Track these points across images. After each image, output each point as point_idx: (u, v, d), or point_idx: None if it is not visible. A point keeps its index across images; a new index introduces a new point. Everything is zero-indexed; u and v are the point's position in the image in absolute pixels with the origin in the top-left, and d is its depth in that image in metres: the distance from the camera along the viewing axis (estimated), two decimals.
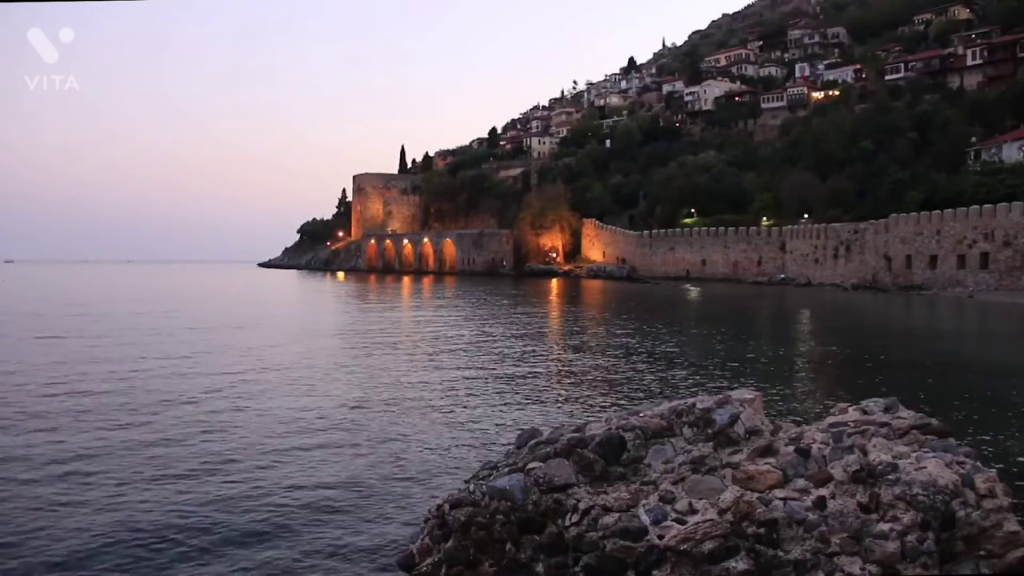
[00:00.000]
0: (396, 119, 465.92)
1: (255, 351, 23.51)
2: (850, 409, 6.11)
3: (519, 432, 6.62)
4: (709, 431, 5.60)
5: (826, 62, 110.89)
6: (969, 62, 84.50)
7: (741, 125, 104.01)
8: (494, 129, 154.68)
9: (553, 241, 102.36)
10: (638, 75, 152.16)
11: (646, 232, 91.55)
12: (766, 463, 5.16)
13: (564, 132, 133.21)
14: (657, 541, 4.81)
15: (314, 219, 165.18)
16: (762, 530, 4.73)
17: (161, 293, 64.10)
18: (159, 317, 36.71)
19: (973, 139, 70.54)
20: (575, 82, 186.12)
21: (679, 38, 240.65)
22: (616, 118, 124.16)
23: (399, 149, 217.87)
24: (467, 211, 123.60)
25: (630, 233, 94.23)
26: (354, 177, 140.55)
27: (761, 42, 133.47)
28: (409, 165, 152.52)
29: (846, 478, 4.95)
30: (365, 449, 11.33)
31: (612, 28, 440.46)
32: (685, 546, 4.74)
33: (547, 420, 12.62)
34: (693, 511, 4.90)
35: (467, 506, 5.47)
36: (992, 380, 17.90)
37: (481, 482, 5.64)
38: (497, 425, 12.98)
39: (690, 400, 5.98)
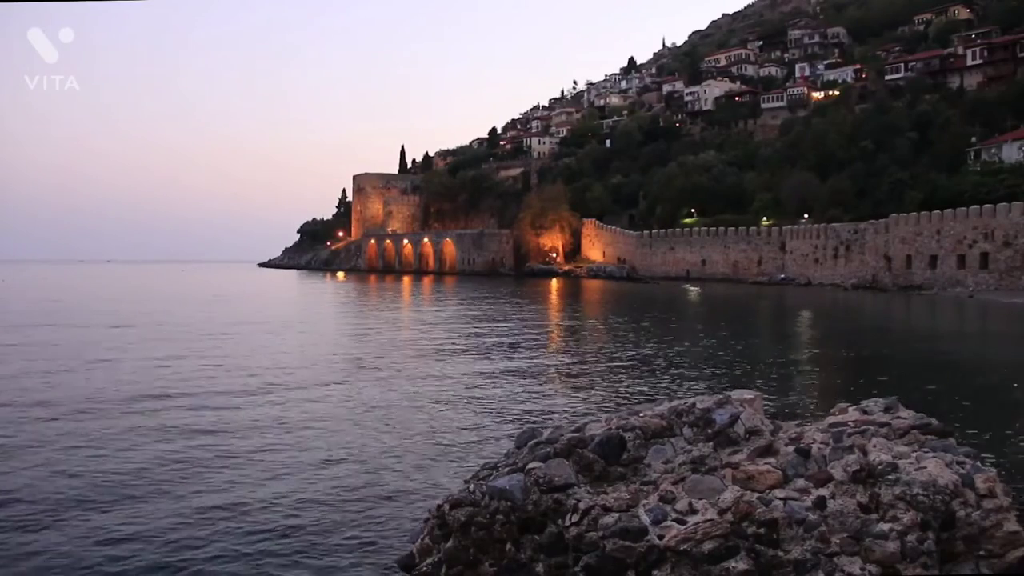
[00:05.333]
0: (396, 119, 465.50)
1: (257, 350, 23.52)
2: (850, 409, 6.12)
3: (519, 432, 6.62)
4: (709, 431, 5.60)
5: (826, 62, 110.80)
6: (969, 62, 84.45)
7: (741, 125, 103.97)
8: (494, 129, 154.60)
9: (553, 241, 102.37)
10: (638, 75, 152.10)
11: (646, 232, 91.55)
12: (766, 463, 5.16)
13: (564, 132, 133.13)
14: (657, 541, 4.81)
15: (314, 219, 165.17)
16: (762, 530, 4.73)
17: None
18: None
19: (973, 139, 70.53)
20: (575, 82, 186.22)
21: (679, 38, 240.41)
22: (616, 118, 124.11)
23: (399, 149, 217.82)
24: (467, 211, 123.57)
25: (630, 233, 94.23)
26: (354, 177, 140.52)
27: (761, 42, 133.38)
28: (409, 165, 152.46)
29: (846, 478, 4.95)
30: (365, 449, 11.33)
31: (612, 28, 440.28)
32: (685, 546, 4.74)
33: (547, 420, 12.62)
34: (693, 511, 4.90)
35: (467, 506, 5.47)
36: (992, 380, 17.90)
37: (481, 482, 5.64)
38: (497, 425, 12.98)
39: (690, 400, 5.98)
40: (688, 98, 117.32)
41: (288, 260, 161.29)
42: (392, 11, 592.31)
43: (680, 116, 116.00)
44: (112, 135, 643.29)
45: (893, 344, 26.17)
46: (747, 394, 6.04)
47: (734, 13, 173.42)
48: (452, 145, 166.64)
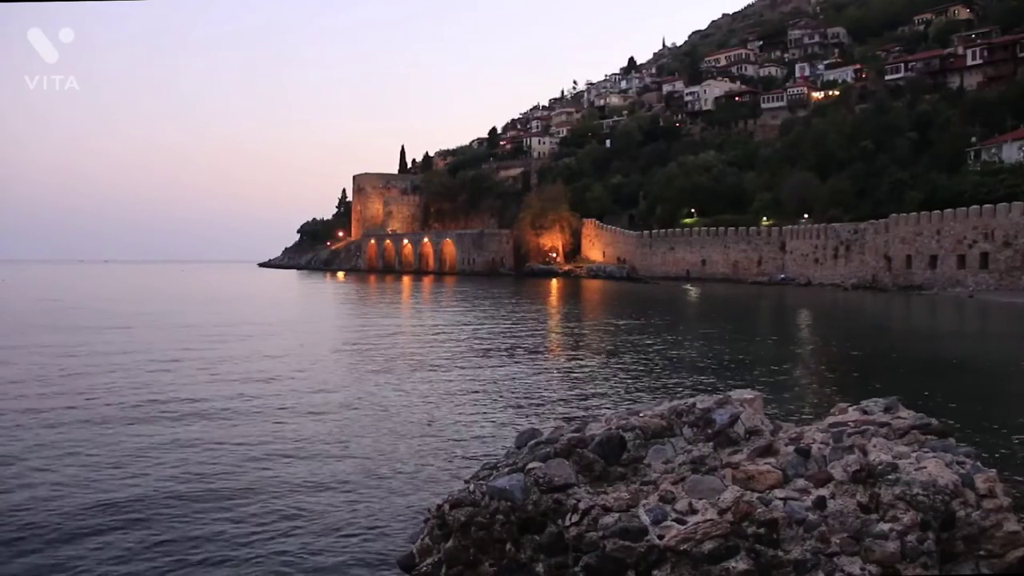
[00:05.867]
0: (396, 119, 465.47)
1: (256, 351, 23.51)
2: (850, 409, 6.12)
3: (519, 432, 6.62)
4: (709, 431, 5.60)
5: (826, 62, 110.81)
6: (969, 62, 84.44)
7: (741, 125, 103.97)
8: (494, 129, 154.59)
9: (553, 241, 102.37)
10: (638, 75, 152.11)
11: (646, 232, 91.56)
12: (766, 463, 5.16)
13: (564, 132, 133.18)
14: (657, 541, 4.81)
15: (314, 219, 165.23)
16: (762, 530, 4.73)
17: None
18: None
19: (973, 139, 70.51)
20: (575, 82, 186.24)
21: (679, 38, 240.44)
22: (616, 118, 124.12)
23: (399, 149, 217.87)
24: (467, 211, 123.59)
25: (630, 233, 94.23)
26: (354, 177, 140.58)
27: (761, 42, 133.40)
28: (409, 165, 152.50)
29: (846, 478, 4.95)
30: (365, 449, 11.33)
31: (612, 28, 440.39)
32: (685, 546, 4.74)
33: (547, 420, 12.61)
34: (693, 511, 4.90)
35: (467, 506, 5.47)
36: (993, 380, 17.90)
37: (481, 482, 5.64)
38: (497, 425, 12.98)
39: (690, 400, 5.98)
40: (688, 98, 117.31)
41: (288, 260, 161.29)
42: (392, 11, 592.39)
43: (680, 116, 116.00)
44: (112, 135, 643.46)
45: (893, 344, 26.16)
46: (747, 394, 6.04)
47: (734, 13, 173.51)
48: (452, 145, 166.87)
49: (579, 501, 5.17)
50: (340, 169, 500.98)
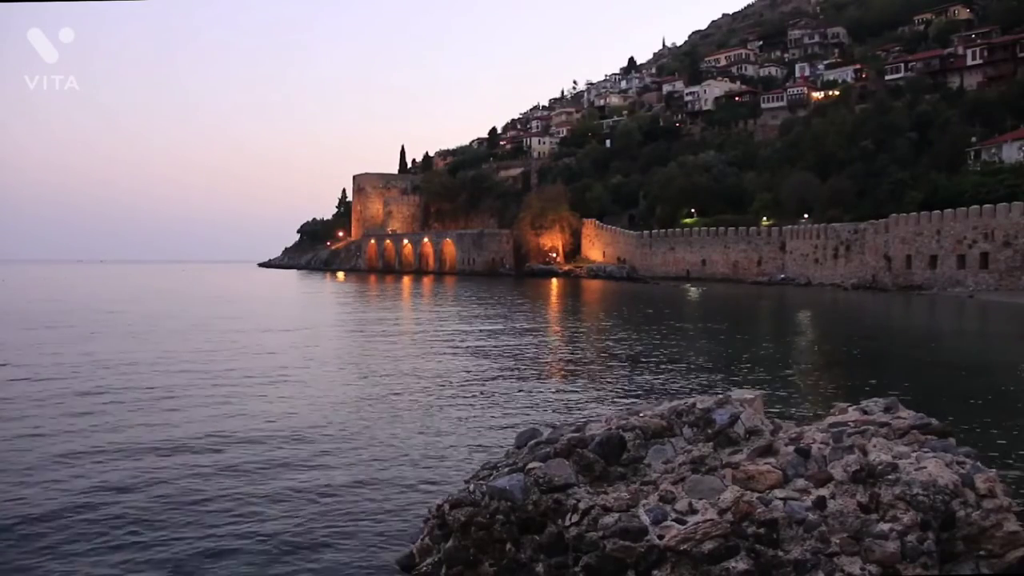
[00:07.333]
0: (396, 119, 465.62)
1: (255, 351, 23.51)
2: (850, 409, 6.12)
3: (519, 432, 6.62)
4: (709, 431, 5.60)
5: (826, 62, 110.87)
6: (969, 62, 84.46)
7: (741, 125, 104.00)
8: (494, 129, 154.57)
9: (553, 241, 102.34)
10: (638, 75, 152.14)
11: (646, 232, 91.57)
12: (766, 463, 5.16)
13: (564, 132, 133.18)
14: (657, 541, 4.81)
15: (314, 219, 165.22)
16: (762, 530, 4.73)
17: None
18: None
19: (973, 139, 70.50)
20: (575, 82, 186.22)
21: (679, 38, 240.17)
22: (616, 118, 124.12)
23: (399, 149, 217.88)
24: (467, 211, 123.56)
25: (630, 233, 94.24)
26: (354, 177, 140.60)
27: (761, 42, 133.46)
28: (409, 165, 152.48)
29: (846, 478, 4.96)
30: (364, 449, 11.32)
31: (612, 28, 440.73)
32: (685, 546, 4.74)
33: (547, 420, 12.61)
34: (693, 511, 4.90)
35: (467, 506, 5.47)
36: (992, 380, 17.88)
37: (481, 482, 5.65)
38: (497, 425, 12.97)
39: (690, 400, 5.98)
40: (688, 98, 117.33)
41: (288, 260, 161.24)
42: (393, 12, 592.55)
43: (680, 116, 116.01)
44: (112, 135, 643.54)
45: (893, 344, 26.15)
46: (747, 394, 6.04)
47: (734, 13, 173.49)
48: (452, 145, 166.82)
49: (579, 501, 5.17)
50: (340, 169, 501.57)
